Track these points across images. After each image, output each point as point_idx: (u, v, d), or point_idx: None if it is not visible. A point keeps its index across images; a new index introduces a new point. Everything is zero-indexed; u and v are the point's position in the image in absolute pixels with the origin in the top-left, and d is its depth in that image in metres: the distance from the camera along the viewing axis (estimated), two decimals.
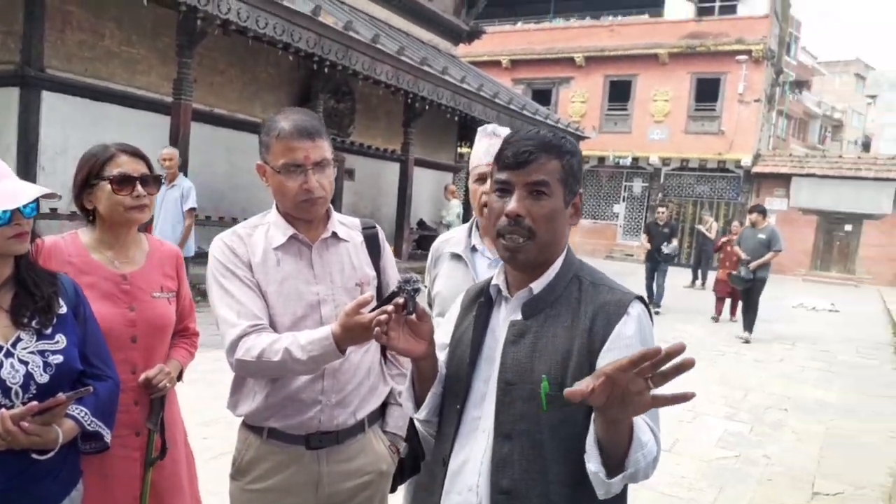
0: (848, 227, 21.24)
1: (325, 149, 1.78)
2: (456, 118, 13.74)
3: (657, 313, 10.53)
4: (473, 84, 13.22)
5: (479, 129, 2.26)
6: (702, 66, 22.73)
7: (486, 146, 2.17)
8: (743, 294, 9.80)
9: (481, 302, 1.48)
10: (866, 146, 41.08)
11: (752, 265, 9.32)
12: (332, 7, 10.78)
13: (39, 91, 8.32)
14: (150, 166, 2.00)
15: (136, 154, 1.98)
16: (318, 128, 1.78)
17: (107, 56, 9.11)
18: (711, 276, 17.00)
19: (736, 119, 22.23)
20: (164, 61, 9.48)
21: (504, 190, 1.37)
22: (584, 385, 1.05)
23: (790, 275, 21.28)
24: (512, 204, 1.34)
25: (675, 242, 11.90)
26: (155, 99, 9.46)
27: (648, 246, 11.91)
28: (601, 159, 24.06)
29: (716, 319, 11.21)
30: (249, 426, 1.86)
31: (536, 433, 1.31)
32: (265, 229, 1.84)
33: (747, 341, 9.38)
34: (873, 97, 39.85)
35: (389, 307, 1.36)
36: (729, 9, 22.84)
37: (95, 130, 8.23)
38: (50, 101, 8.40)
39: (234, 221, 10.06)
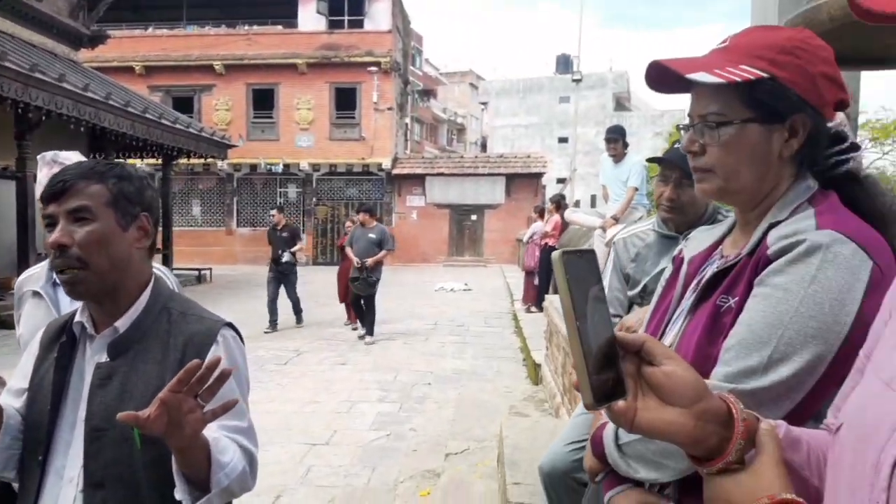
0: (474, 217, 24.56)
1: None
2: (81, 129, 12.43)
3: (300, 327, 10.34)
4: (100, 92, 12.10)
5: (39, 157, 2.12)
6: (338, 77, 24.01)
7: (46, 176, 2.03)
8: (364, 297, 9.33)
9: (63, 342, 1.39)
10: (483, 146, 47.66)
11: (369, 262, 8.95)
12: None
13: None
14: None
15: None
16: None
17: None
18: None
19: (374, 126, 24.02)
20: None
21: (51, 225, 1.32)
22: (141, 412, 1.08)
23: (432, 262, 23.90)
24: (54, 234, 1.29)
25: (299, 245, 10.79)
26: None
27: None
28: (253, 167, 23.95)
29: (354, 328, 10.11)
30: None
31: (130, 476, 1.29)
32: None
33: (372, 343, 9.09)
34: (485, 104, 46.39)
35: None
36: (356, 23, 24.40)
37: None
38: None
39: None
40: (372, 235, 9.24)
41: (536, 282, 10.60)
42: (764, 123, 1.07)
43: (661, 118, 39.44)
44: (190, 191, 24.73)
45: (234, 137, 20.30)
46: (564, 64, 44.93)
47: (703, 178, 1.14)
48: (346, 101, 24.16)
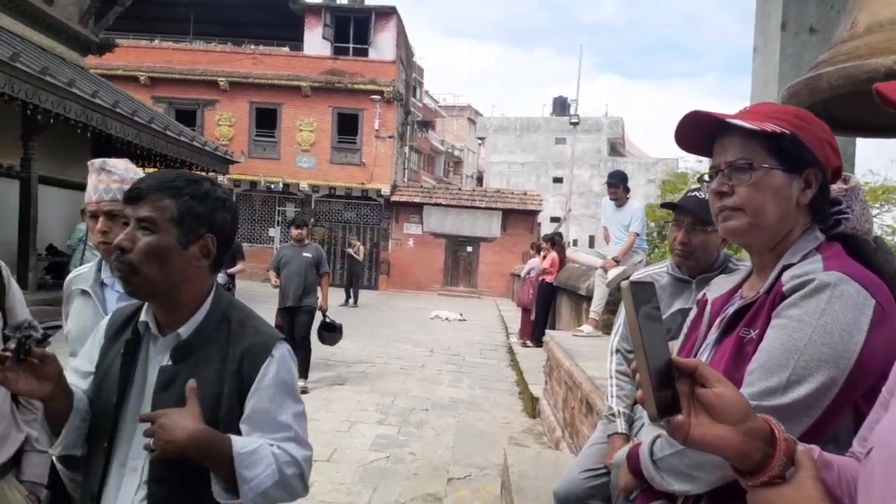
0: (469, 248, 24.69)
1: None
2: (89, 134, 12.45)
3: None
4: (108, 99, 12.15)
5: (89, 163, 2.18)
6: (342, 102, 24.27)
7: (94, 182, 2.12)
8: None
9: (129, 339, 1.45)
10: (480, 180, 48.06)
11: (322, 304, 7.75)
12: None
13: None
14: None
15: None
16: None
17: None
18: (362, 294, 18.28)
19: (374, 152, 24.24)
20: None
21: (126, 224, 1.40)
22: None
23: (426, 290, 23.91)
24: (119, 236, 1.37)
25: (239, 267, 10.23)
26: None
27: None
28: (253, 184, 24.01)
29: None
30: None
31: (191, 474, 1.32)
32: None
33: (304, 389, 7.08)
34: (482, 139, 46.89)
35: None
36: (361, 51, 24.75)
37: None
38: None
39: None
40: (307, 255, 7.60)
41: (533, 317, 10.62)
42: (786, 171, 1.23)
43: (654, 165, 40.01)
44: None
45: (235, 153, 20.39)
46: (561, 106, 45.62)
47: (731, 216, 1.28)
48: (347, 126, 24.38)
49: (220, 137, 23.27)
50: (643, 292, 0.90)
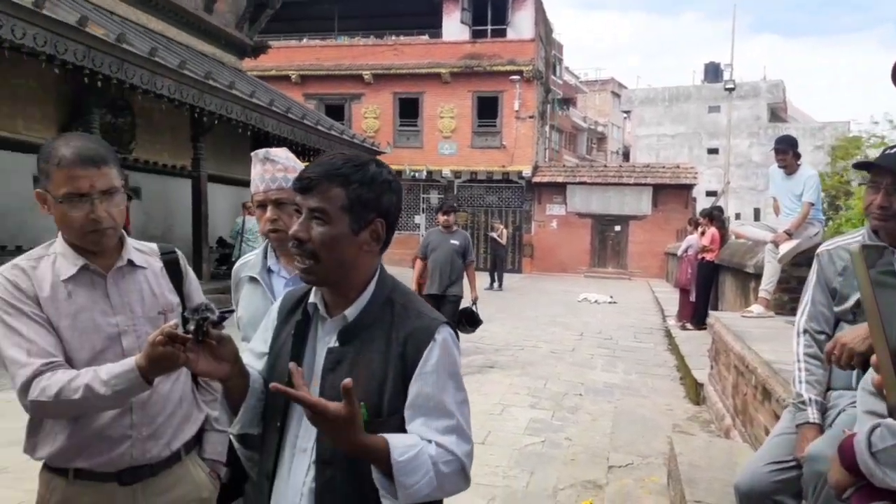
0: (617, 228, 23.85)
1: (112, 176, 1.67)
2: (248, 133, 13.32)
3: None
4: (264, 99, 12.89)
5: (253, 154, 2.23)
6: (481, 85, 24.24)
7: (259, 172, 2.17)
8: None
9: (299, 320, 1.48)
10: (626, 156, 46.44)
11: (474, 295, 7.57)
12: (101, 18, 9.93)
13: None
14: None
15: None
16: (103, 154, 1.66)
17: None
18: (506, 278, 18.23)
19: (515, 134, 24.02)
20: None
21: (298, 212, 1.41)
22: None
23: (572, 272, 23.44)
24: (294, 227, 1.39)
25: None
26: None
27: None
28: (399, 173, 24.66)
29: None
30: (52, 469, 1.70)
31: (357, 461, 1.32)
32: (51, 260, 1.70)
33: None
34: (627, 112, 45.17)
35: (181, 334, 1.36)
36: (499, 32, 24.55)
37: None
38: None
39: (2, 250, 8.89)
40: (455, 242, 7.42)
41: (693, 298, 10.01)
42: None
43: (821, 130, 36.56)
44: None
45: (381, 144, 21.03)
46: (714, 72, 43.05)
47: None
48: (487, 109, 24.34)
49: (366, 130, 24.10)
50: (875, 256, 0.77)
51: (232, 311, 1.49)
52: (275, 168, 2.13)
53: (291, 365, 1.27)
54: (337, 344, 1.41)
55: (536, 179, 24.12)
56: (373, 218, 1.41)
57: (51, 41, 7.81)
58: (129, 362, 1.52)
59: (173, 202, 13.51)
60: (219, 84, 11.21)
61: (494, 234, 18.33)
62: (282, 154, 2.17)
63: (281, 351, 1.48)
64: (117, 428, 1.67)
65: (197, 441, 1.90)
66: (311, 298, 1.48)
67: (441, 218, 7.55)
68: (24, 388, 1.54)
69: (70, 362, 1.62)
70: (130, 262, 1.77)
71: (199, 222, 12.50)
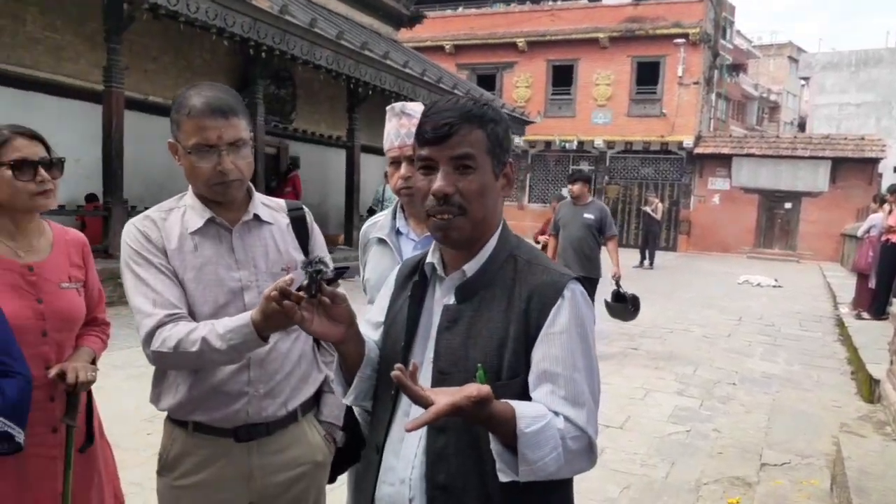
0: (788, 205, 21.89)
1: (240, 128, 1.65)
2: (417, 101, 13.62)
3: None
4: (416, 69, 13.05)
5: (388, 108, 2.12)
6: (641, 50, 23.02)
7: (395, 127, 2.06)
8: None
9: (416, 281, 1.40)
10: (802, 126, 42.37)
11: (615, 271, 6.75)
12: None
13: None
14: (48, 149, 1.85)
15: (34, 136, 1.83)
16: (232, 105, 1.64)
17: (30, 42, 8.65)
18: (658, 255, 17.37)
19: (676, 102, 22.64)
20: (92, 48, 9.06)
21: (428, 167, 1.28)
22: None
23: (733, 252, 21.90)
24: (438, 182, 1.25)
25: None
26: (84, 87, 9.04)
27: None
28: (548, 143, 24.24)
29: None
30: (174, 420, 1.75)
31: (472, 426, 1.21)
32: (181, 213, 1.72)
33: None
34: (806, 79, 41.02)
35: (291, 289, 1.27)
36: None
37: (24, 120, 7.75)
38: None
39: None
40: (588, 215, 6.53)
41: (872, 284, 8.95)
42: None
43: None
44: None
45: (531, 114, 20.68)
46: None
47: None
48: (647, 75, 23.14)
49: (517, 99, 23.81)
50: None
51: (347, 268, 1.40)
52: (410, 123, 2.00)
53: (396, 370, 1.08)
54: (454, 301, 1.31)
55: (699, 150, 22.64)
56: (506, 159, 1.32)
57: (221, 14, 8.33)
58: (245, 317, 1.50)
59: (329, 172, 14.14)
60: (374, 54, 11.46)
61: (648, 209, 17.46)
62: (418, 109, 2.04)
63: (396, 317, 1.41)
64: (234, 384, 1.68)
65: (315, 402, 1.87)
66: (429, 258, 1.39)
67: (573, 188, 6.73)
68: (148, 338, 1.57)
69: (193, 315, 1.63)
70: (257, 217, 1.76)
71: (352, 191, 13.00)
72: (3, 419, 1.52)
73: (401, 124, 2.05)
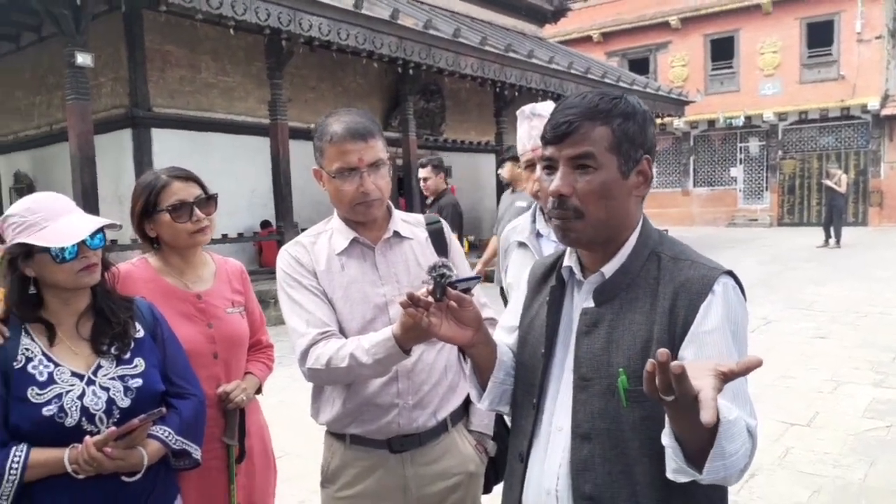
0: None
1: (378, 149, 1.74)
2: (549, 99, 13.49)
3: None
4: (563, 63, 12.88)
5: (518, 111, 2.13)
6: (810, 10, 20.97)
7: (526, 130, 2.07)
8: None
9: (553, 286, 1.35)
10: None
11: None
12: (411, 9, 10.84)
13: (149, 129, 8.94)
14: (203, 187, 2.03)
15: (189, 178, 2.01)
16: (369, 128, 1.73)
17: (205, 88, 9.63)
18: (846, 232, 15.71)
19: (857, 61, 20.35)
20: (258, 85, 9.90)
21: (550, 167, 1.24)
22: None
23: None
24: (555, 182, 1.21)
25: None
26: (254, 123, 9.89)
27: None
28: (711, 122, 22.77)
29: None
30: (333, 433, 1.86)
31: (618, 432, 1.18)
32: (328, 236, 1.83)
33: None
34: None
35: (421, 297, 1.30)
36: None
37: (203, 159, 8.71)
38: (160, 137, 9.02)
39: None
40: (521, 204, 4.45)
41: None
42: None
43: None
44: None
45: (690, 93, 19.60)
46: None
47: None
48: (820, 36, 21.00)
49: (673, 80, 22.64)
50: None
51: (478, 279, 1.43)
52: (542, 123, 2.00)
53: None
54: (593, 304, 1.26)
55: (886, 112, 20.17)
56: (640, 156, 1.24)
57: (369, 38, 8.77)
58: (387, 331, 1.57)
59: (480, 177, 14.34)
60: (518, 54, 11.48)
61: (830, 182, 15.83)
62: (548, 108, 2.05)
63: (533, 322, 1.37)
64: (385, 396, 1.75)
65: (464, 412, 1.91)
66: (566, 262, 1.34)
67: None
68: (303, 357, 1.69)
69: (343, 332, 1.73)
70: (397, 234, 1.83)
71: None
72: (181, 437, 1.66)
73: (532, 126, 2.06)
